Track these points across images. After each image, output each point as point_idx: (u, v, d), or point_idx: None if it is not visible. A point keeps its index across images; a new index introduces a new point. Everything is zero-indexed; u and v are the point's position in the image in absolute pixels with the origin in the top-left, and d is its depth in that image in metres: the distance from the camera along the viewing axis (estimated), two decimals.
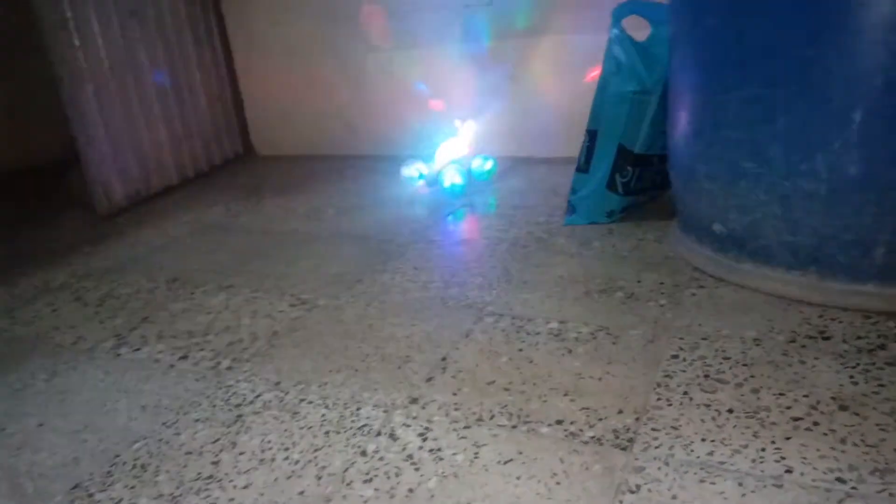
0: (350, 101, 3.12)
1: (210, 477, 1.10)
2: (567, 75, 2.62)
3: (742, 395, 1.16)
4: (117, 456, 1.18)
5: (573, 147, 2.09)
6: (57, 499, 1.09)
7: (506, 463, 1.06)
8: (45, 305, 1.81)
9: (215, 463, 1.13)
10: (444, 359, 1.37)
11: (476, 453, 1.09)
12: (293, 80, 3.21)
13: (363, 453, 1.11)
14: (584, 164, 1.99)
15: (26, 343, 1.62)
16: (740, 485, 0.97)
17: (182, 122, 2.93)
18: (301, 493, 1.04)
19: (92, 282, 1.95)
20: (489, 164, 2.57)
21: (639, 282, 1.62)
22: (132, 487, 1.09)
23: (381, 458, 1.10)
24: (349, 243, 2.06)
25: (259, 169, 3.18)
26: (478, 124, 2.76)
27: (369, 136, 3.13)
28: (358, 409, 1.24)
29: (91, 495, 1.09)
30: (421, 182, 2.52)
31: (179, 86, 2.92)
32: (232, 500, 1.04)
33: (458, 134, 2.70)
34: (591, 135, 1.96)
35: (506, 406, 1.20)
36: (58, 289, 1.92)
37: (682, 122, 1.65)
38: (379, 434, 1.16)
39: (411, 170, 2.53)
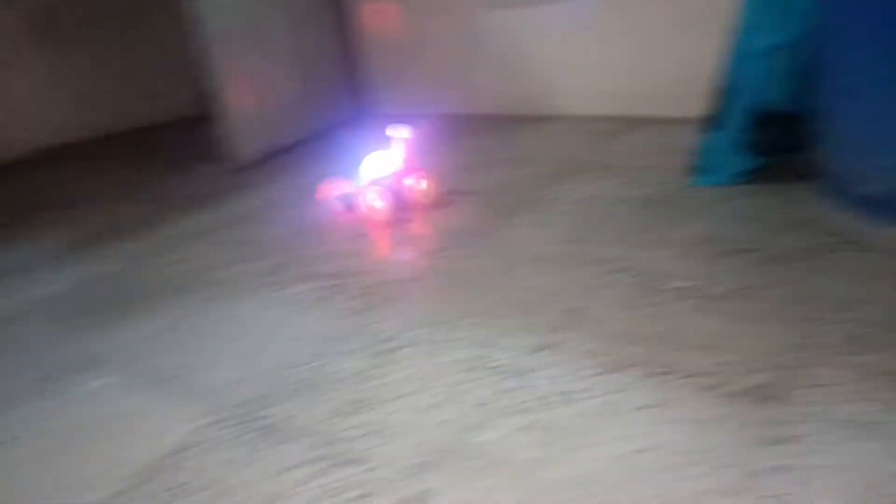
0: (468, 60, 3.14)
1: (360, 401, 1.20)
2: (687, 30, 2.52)
3: (890, 359, 1.13)
4: (277, 379, 1.30)
5: (691, 107, 2.04)
6: (225, 413, 1.22)
7: (642, 409, 1.09)
8: (196, 247, 1.98)
9: (364, 390, 1.23)
10: (573, 309, 1.40)
11: (612, 399, 1.12)
12: (411, 39, 3.26)
13: (499, 391, 1.18)
14: (713, 124, 1.94)
15: (186, 278, 1.79)
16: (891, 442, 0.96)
17: (305, 81, 3.06)
18: (442, 422, 1.12)
19: (233, 228, 2.11)
20: (422, 184, 2.06)
21: (775, 244, 1.58)
22: (293, 406, 1.21)
23: (516, 397, 1.15)
24: (473, 199, 2.11)
25: (379, 127, 3.27)
26: (594, 82, 2.63)
27: (487, 95, 3.15)
28: (492, 351, 1.30)
29: (257, 411, 1.21)
30: (338, 203, 2.09)
31: (305, 46, 3.04)
32: (382, 421, 1.13)
33: (392, 145, 2.05)
34: (722, 93, 1.90)
35: (640, 357, 1.22)
36: (204, 233, 2.09)
37: (842, 77, 1.56)
38: (514, 375, 1.21)
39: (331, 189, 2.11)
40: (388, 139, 2.03)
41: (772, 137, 1.88)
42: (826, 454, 0.95)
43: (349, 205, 2.06)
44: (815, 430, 1.00)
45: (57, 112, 3.33)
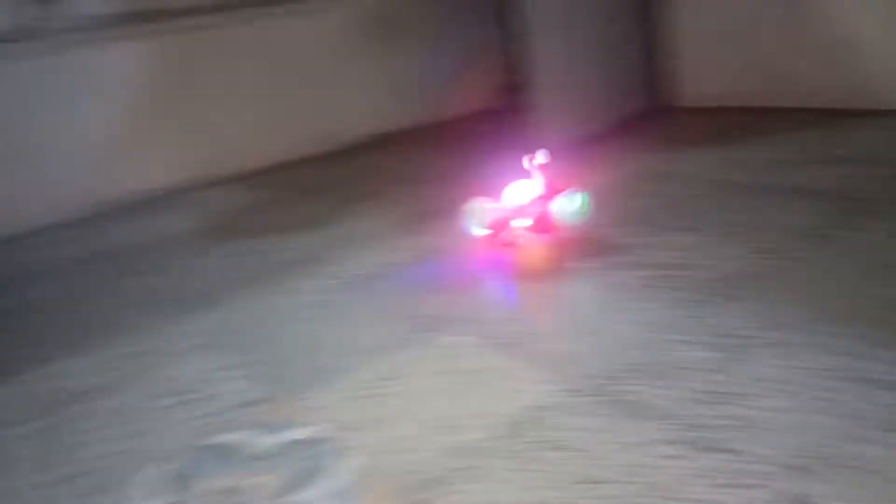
0: (777, 50, 2.92)
1: (714, 392, 1.20)
2: None
3: None
4: (621, 358, 1.36)
5: None
6: (575, 383, 1.31)
7: None
8: None
9: (715, 382, 1.23)
10: None
11: None
12: (725, 26, 3.12)
13: (878, 405, 1.10)
14: None
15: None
16: None
17: (611, 72, 3.09)
18: (815, 427, 1.08)
19: None
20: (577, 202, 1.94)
21: None
22: (643, 387, 1.26)
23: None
24: (799, 197, 1.98)
25: (683, 119, 3.20)
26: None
27: (809, 86, 2.90)
28: (863, 361, 1.21)
29: (607, 386, 1.28)
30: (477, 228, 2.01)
31: (613, 36, 3.07)
32: (745, 416, 1.13)
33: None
34: None
35: None
36: None
37: None
38: (890, 389, 1.13)
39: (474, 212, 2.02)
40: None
41: None
42: None
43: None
44: None
45: (379, 104, 3.78)
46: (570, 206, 1.91)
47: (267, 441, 1.29)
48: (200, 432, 1.34)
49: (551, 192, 1.95)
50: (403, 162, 3.17)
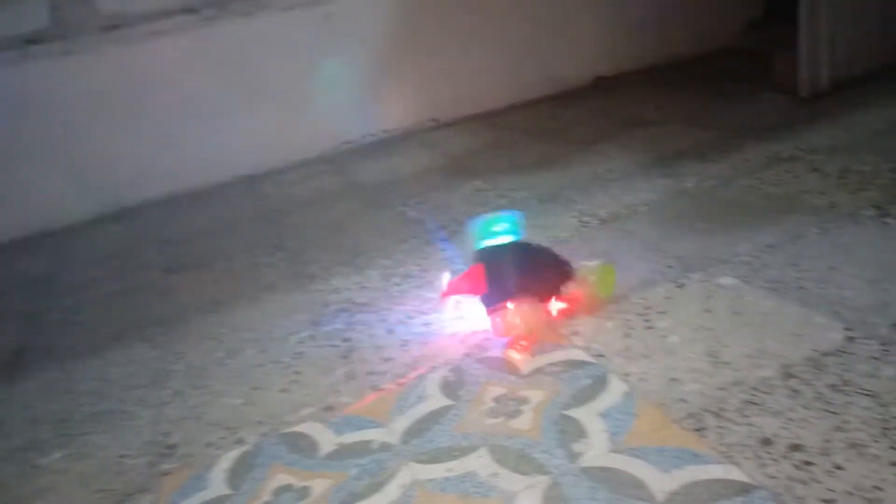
0: None
1: None
2: None
3: None
4: None
5: None
6: (882, 331, 1.21)
7: None
8: (785, 172, 1.99)
9: None
10: None
11: None
12: None
13: None
14: None
15: (782, 200, 1.82)
16: None
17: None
18: None
19: (822, 156, 2.04)
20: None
21: None
22: None
23: None
24: None
25: None
26: None
27: None
28: None
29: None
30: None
31: None
32: None
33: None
34: None
35: None
36: (789, 159, 2.07)
37: None
38: None
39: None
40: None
41: None
42: None
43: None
44: None
45: (613, 45, 3.67)
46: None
47: (537, 360, 1.36)
48: (471, 346, 1.45)
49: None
50: (638, 104, 3.07)
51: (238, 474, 1.22)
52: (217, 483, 1.21)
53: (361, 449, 1.22)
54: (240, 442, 1.31)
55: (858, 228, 1.59)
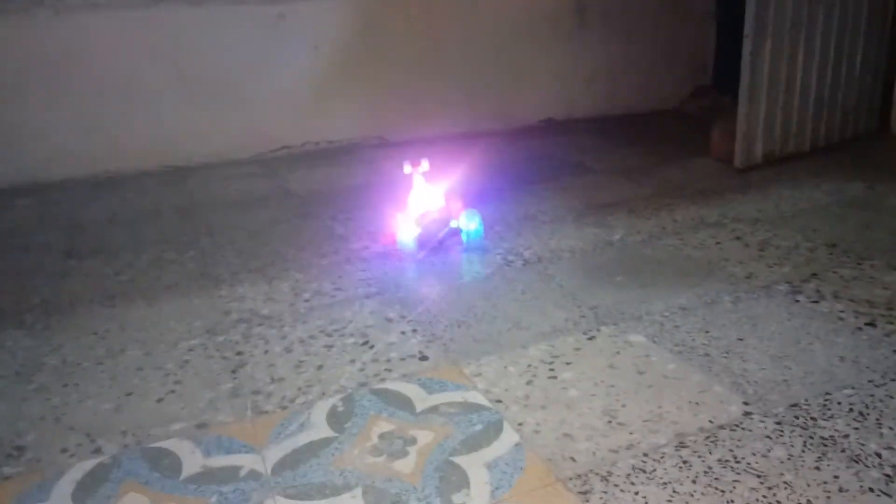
0: None
1: None
2: None
3: None
4: (828, 393, 1.23)
5: None
6: (767, 408, 1.20)
7: None
8: (709, 237, 2.00)
9: None
10: None
11: None
12: None
13: None
14: None
15: (702, 264, 1.82)
16: None
17: (830, 89, 2.82)
18: None
19: (746, 226, 2.07)
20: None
21: None
22: (854, 428, 1.13)
23: None
24: None
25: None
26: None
27: None
28: None
29: (806, 419, 1.17)
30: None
31: (840, 52, 2.80)
32: None
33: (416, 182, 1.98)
34: None
35: None
36: (714, 225, 2.10)
37: None
38: None
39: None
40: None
41: None
42: None
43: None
44: None
45: (567, 91, 3.70)
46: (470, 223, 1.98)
47: (434, 398, 1.30)
48: (369, 375, 1.38)
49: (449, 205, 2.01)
50: (582, 151, 3.08)
51: (86, 488, 1.11)
52: (60, 495, 1.09)
53: (227, 475, 1.12)
54: (97, 451, 1.19)
55: (770, 302, 1.60)
